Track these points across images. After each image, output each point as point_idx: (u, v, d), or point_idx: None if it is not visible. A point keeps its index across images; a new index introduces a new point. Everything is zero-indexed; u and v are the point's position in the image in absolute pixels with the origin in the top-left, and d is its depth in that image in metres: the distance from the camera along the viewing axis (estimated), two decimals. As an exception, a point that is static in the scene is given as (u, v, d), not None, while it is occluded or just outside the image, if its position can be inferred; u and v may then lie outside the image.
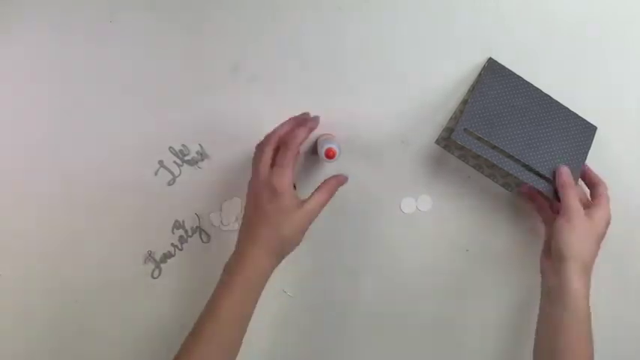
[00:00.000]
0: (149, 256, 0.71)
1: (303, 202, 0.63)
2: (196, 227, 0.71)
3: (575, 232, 0.64)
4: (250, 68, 0.70)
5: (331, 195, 0.65)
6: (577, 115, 0.71)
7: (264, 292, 0.62)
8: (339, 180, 0.67)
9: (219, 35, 0.69)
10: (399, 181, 0.72)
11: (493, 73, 0.69)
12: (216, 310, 0.60)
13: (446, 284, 0.73)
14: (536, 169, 0.68)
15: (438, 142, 0.71)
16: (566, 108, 0.71)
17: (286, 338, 0.74)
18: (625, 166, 0.73)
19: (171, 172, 0.70)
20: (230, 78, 0.70)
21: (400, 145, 0.72)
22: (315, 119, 0.66)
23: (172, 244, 0.71)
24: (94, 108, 0.69)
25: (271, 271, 0.62)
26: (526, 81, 0.70)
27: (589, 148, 0.71)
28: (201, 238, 0.72)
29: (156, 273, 0.71)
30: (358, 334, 0.74)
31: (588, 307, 0.63)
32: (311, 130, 0.64)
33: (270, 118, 0.69)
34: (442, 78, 0.71)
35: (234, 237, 0.71)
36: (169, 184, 0.71)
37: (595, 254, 0.65)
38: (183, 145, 0.70)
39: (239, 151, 0.70)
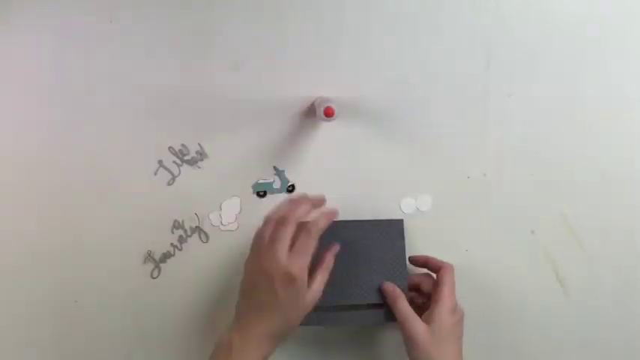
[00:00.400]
0: (149, 256, 0.71)
1: (310, 287, 0.60)
2: (196, 227, 0.71)
3: (419, 344, 0.61)
4: (250, 68, 0.70)
5: (330, 270, 0.63)
6: (377, 220, 0.69)
7: None
8: (334, 251, 0.65)
9: (219, 35, 0.69)
10: (398, 181, 0.72)
11: None
12: None
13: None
14: (370, 302, 0.67)
15: None
16: (363, 220, 0.69)
17: None
18: (625, 166, 0.73)
19: (171, 172, 0.70)
20: (230, 78, 0.70)
21: (400, 146, 0.72)
22: (335, 211, 0.63)
23: (172, 244, 0.71)
24: (93, 108, 0.69)
25: (271, 354, 0.60)
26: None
27: (404, 243, 0.69)
28: (200, 239, 0.72)
29: (155, 273, 0.71)
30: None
31: None
32: (330, 220, 0.61)
33: (271, 118, 0.69)
34: (442, 78, 0.71)
35: (234, 237, 0.71)
36: (169, 184, 0.71)
37: (453, 354, 0.62)
38: (182, 145, 0.70)
39: (239, 151, 0.70)
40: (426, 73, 0.71)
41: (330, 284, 0.63)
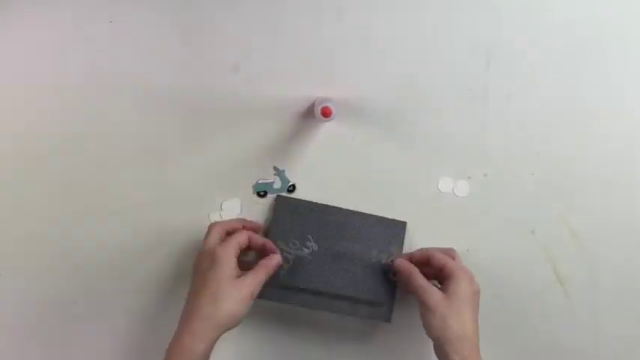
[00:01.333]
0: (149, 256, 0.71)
1: (242, 277, 0.62)
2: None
3: (436, 310, 0.61)
4: (250, 68, 0.70)
5: (268, 275, 0.64)
6: (381, 217, 0.70)
7: None
8: (276, 261, 0.65)
9: (219, 35, 0.69)
10: (398, 181, 0.72)
11: (284, 212, 0.69)
12: None
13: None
14: (370, 299, 0.68)
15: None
16: (367, 214, 0.70)
17: None
18: (625, 166, 0.73)
19: (171, 172, 0.70)
20: (230, 78, 0.70)
21: (400, 146, 0.72)
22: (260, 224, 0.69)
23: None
24: (92, 108, 0.69)
25: (213, 343, 0.60)
26: (321, 205, 0.70)
27: (402, 245, 0.70)
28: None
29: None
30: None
31: None
32: (256, 230, 0.68)
33: (271, 118, 0.69)
34: (442, 78, 0.71)
35: (234, 237, 0.71)
36: (169, 182, 0.71)
37: (470, 321, 0.62)
38: (183, 145, 0.70)
39: (239, 151, 0.70)
40: (426, 73, 0.71)
41: (323, 269, 0.68)
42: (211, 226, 0.66)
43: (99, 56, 0.68)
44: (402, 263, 0.67)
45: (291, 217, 0.69)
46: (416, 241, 0.72)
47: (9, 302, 0.70)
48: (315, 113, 0.64)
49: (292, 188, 0.71)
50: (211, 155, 0.70)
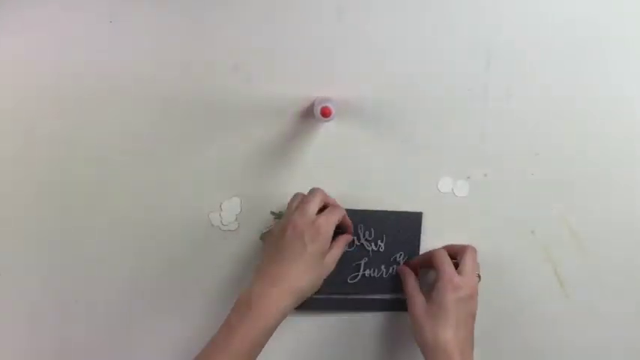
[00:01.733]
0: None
1: (329, 252, 0.63)
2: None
3: (415, 317, 0.64)
4: (250, 68, 0.70)
5: (344, 246, 0.67)
6: (395, 212, 0.71)
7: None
8: (350, 239, 0.68)
9: (219, 35, 0.69)
10: (398, 182, 0.72)
11: None
12: (229, 345, 0.57)
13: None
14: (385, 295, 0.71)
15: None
16: (381, 211, 0.71)
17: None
18: (625, 166, 0.73)
19: (171, 172, 0.70)
20: (230, 78, 0.70)
21: (400, 146, 0.72)
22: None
23: (172, 244, 0.71)
24: (92, 108, 0.69)
25: (289, 312, 0.60)
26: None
27: (419, 235, 0.71)
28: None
29: (155, 273, 0.71)
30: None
31: None
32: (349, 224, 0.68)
33: (271, 118, 0.69)
34: (442, 78, 0.71)
35: (234, 237, 0.71)
36: (170, 181, 0.71)
37: (449, 331, 0.62)
38: (183, 145, 0.70)
39: (239, 151, 0.70)
40: (426, 73, 0.71)
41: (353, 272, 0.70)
42: (315, 191, 0.65)
43: (99, 56, 0.68)
44: (401, 269, 0.70)
45: None
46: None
47: (9, 302, 0.70)
48: (315, 113, 0.64)
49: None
50: (211, 155, 0.70)
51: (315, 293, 0.63)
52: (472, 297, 0.64)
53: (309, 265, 0.61)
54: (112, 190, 0.70)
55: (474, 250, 0.68)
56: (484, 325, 0.73)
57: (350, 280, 0.71)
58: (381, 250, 0.71)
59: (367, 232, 0.71)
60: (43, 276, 0.70)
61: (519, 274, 0.73)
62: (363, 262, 0.71)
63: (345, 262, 0.69)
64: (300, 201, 0.64)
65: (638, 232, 0.74)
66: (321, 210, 0.64)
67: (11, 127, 0.69)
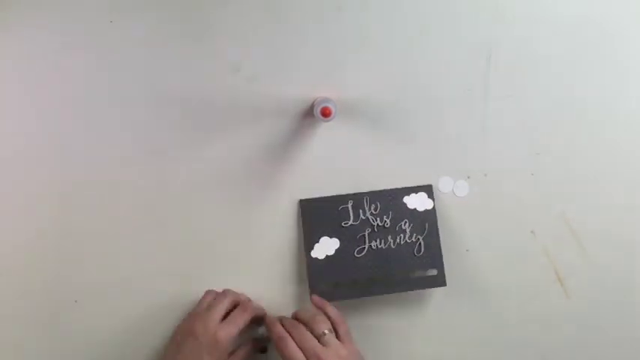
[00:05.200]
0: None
1: (230, 356, 0.63)
2: (196, 227, 0.71)
3: None
4: (250, 68, 0.70)
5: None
6: (407, 187, 0.71)
7: None
8: (248, 350, 0.66)
9: (220, 35, 0.69)
10: (398, 182, 0.72)
11: (310, 213, 0.70)
12: None
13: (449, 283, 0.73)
14: (423, 272, 0.70)
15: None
16: (393, 189, 0.71)
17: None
18: (625, 166, 0.73)
19: (172, 172, 0.70)
20: (230, 78, 0.70)
21: (400, 146, 0.72)
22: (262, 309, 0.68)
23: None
24: (92, 108, 0.69)
25: None
26: (343, 195, 0.70)
27: (435, 217, 0.71)
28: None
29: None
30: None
31: None
32: (259, 314, 0.66)
33: (271, 118, 0.69)
34: (442, 78, 0.71)
35: (234, 237, 0.71)
36: (170, 176, 0.71)
37: None
38: (183, 145, 0.70)
39: (238, 151, 0.70)
40: (426, 73, 0.71)
41: (371, 256, 0.70)
42: (225, 294, 0.65)
43: (99, 56, 0.68)
44: (315, 298, 0.68)
45: (321, 215, 0.70)
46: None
47: (9, 302, 0.70)
48: (315, 113, 0.64)
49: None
50: (211, 155, 0.70)
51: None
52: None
53: None
54: (111, 189, 0.70)
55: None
56: (484, 325, 0.73)
57: (357, 253, 0.70)
58: (386, 225, 0.70)
59: (373, 206, 0.71)
60: (42, 276, 0.70)
61: (519, 274, 0.73)
62: (366, 233, 0.70)
63: (350, 237, 0.69)
64: (208, 304, 0.64)
65: (638, 232, 0.74)
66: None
67: (11, 128, 0.69)
